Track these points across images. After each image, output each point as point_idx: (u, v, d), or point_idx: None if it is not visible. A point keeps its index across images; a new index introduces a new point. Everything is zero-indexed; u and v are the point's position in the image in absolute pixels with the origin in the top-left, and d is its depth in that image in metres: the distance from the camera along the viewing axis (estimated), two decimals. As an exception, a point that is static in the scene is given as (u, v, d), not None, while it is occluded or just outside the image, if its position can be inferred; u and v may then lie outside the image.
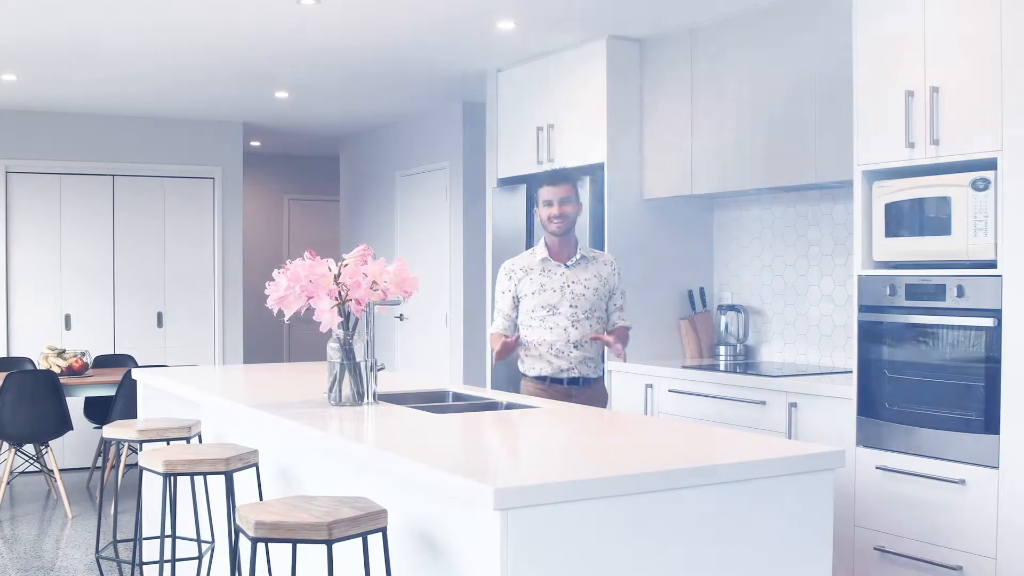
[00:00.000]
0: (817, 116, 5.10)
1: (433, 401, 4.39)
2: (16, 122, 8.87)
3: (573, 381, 4.73)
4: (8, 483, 7.42)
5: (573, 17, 5.83)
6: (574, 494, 2.47)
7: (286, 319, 3.90)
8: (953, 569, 4.14)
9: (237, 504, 3.99)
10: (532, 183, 6.61)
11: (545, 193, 4.79)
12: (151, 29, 6.08)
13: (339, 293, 3.79)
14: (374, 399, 3.96)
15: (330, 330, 3.84)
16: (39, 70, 7.21)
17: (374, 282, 3.79)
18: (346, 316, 3.86)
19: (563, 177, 4.83)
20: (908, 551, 4.32)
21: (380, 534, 2.92)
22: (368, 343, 3.96)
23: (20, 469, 8.26)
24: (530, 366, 4.80)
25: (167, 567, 4.67)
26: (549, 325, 4.73)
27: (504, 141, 7.07)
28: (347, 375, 3.91)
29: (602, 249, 5.99)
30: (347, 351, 3.90)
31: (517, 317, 4.85)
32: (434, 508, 2.90)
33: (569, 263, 4.78)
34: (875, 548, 4.44)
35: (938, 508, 4.21)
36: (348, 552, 3.25)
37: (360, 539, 2.88)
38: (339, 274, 3.79)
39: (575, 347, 4.73)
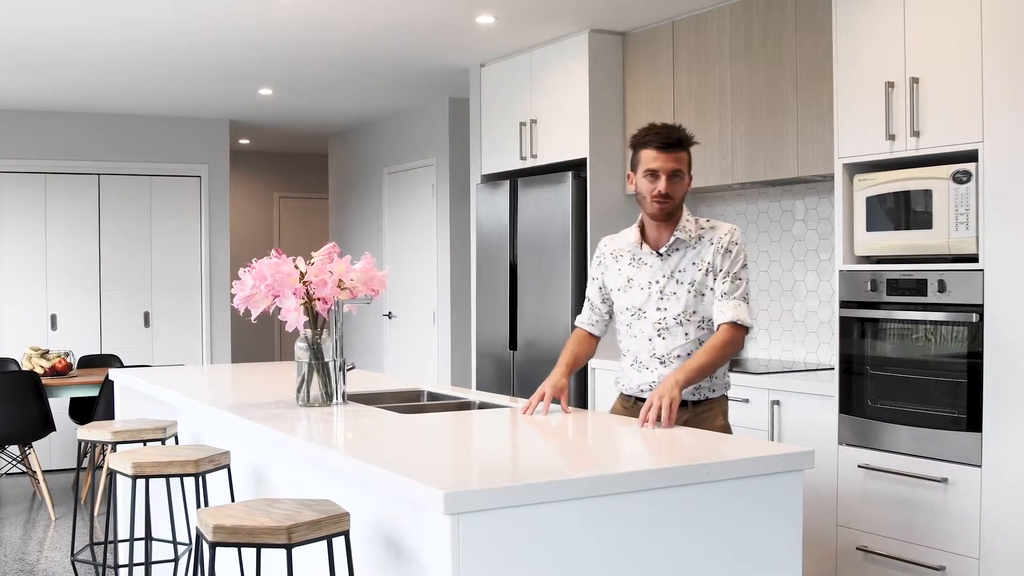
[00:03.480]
0: (799, 109, 5.03)
1: (407, 401, 4.32)
2: (-1, 121, 8.81)
3: None
4: (-9, 485, 7.36)
5: (554, 11, 5.75)
6: (528, 498, 2.40)
7: (253, 318, 3.82)
8: (936, 569, 4.07)
9: (201, 507, 3.93)
10: (515, 179, 6.55)
11: (649, 159, 3.53)
12: (131, 25, 6.01)
13: (306, 292, 3.72)
14: (343, 399, 3.90)
15: (297, 329, 3.77)
16: (20, 68, 7.14)
17: (340, 280, 3.72)
18: (314, 315, 3.79)
19: (679, 140, 3.56)
20: (891, 551, 4.24)
21: (343, 537, 2.86)
22: (337, 342, 3.88)
23: (5, 470, 8.21)
24: (621, 383, 3.80)
25: (140, 569, 4.61)
26: (634, 333, 3.67)
27: (488, 137, 7.00)
28: (315, 375, 3.84)
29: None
30: (315, 351, 3.83)
31: (609, 312, 3.81)
32: (398, 510, 2.84)
33: (663, 250, 3.62)
34: (858, 548, 4.37)
35: (921, 507, 4.13)
36: (314, 554, 3.19)
37: (322, 542, 2.82)
38: (305, 273, 3.71)
39: (661, 363, 3.62)
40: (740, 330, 3.50)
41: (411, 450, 3.09)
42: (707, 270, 3.56)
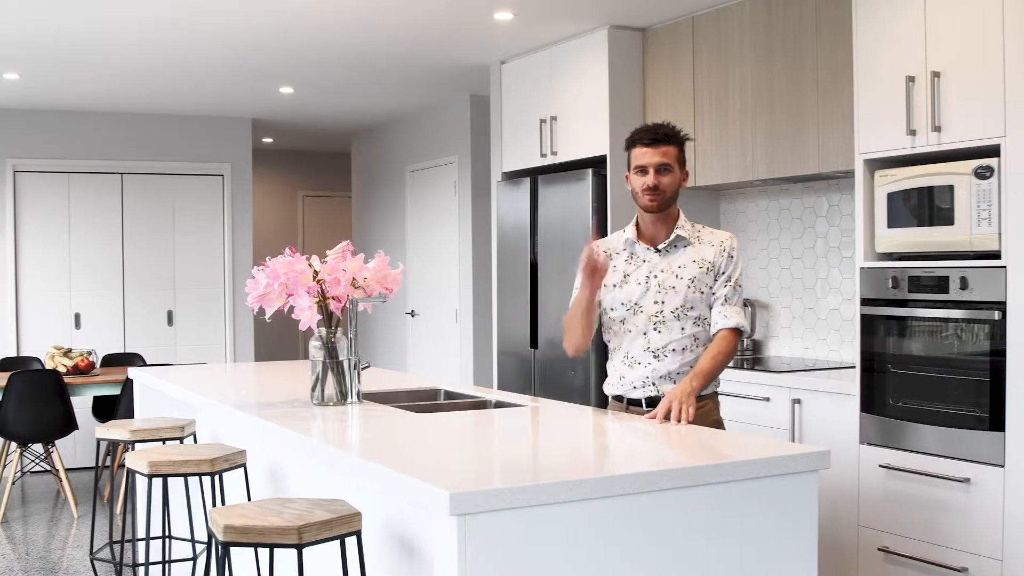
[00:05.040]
0: (819, 104, 4.97)
1: (423, 400, 4.30)
2: (23, 121, 8.84)
3: (653, 402, 3.58)
4: (14, 482, 7.39)
5: (573, 7, 5.72)
6: (536, 499, 2.37)
7: (267, 317, 3.81)
8: (958, 571, 4.01)
9: (217, 506, 3.92)
10: (535, 176, 6.52)
11: (638, 155, 3.60)
12: (152, 25, 6.02)
13: (319, 290, 3.70)
14: (358, 398, 3.88)
15: (311, 328, 3.75)
16: (42, 68, 7.17)
17: (354, 279, 3.70)
18: (328, 314, 3.77)
19: (665, 136, 3.60)
20: (913, 552, 4.18)
21: (355, 537, 2.84)
22: (351, 341, 3.86)
23: (29, 469, 8.25)
24: (607, 383, 3.80)
25: (158, 568, 4.61)
26: (629, 327, 3.65)
27: (508, 134, 6.97)
28: (330, 374, 3.82)
29: None
30: (329, 349, 3.81)
31: (601, 315, 3.74)
32: (409, 510, 2.82)
33: (661, 247, 3.66)
34: (879, 549, 4.31)
35: (943, 508, 4.08)
36: (327, 554, 3.18)
37: (333, 542, 2.80)
38: (318, 271, 3.70)
39: (655, 357, 3.62)
40: (739, 336, 3.60)
41: (421, 450, 3.07)
42: (708, 269, 3.60)
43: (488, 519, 2.32)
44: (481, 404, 4.08)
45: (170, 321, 9.37)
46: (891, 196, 4.26)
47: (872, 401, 4.36)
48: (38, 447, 8.02)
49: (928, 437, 4.13)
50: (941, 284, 4.08)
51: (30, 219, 8.89)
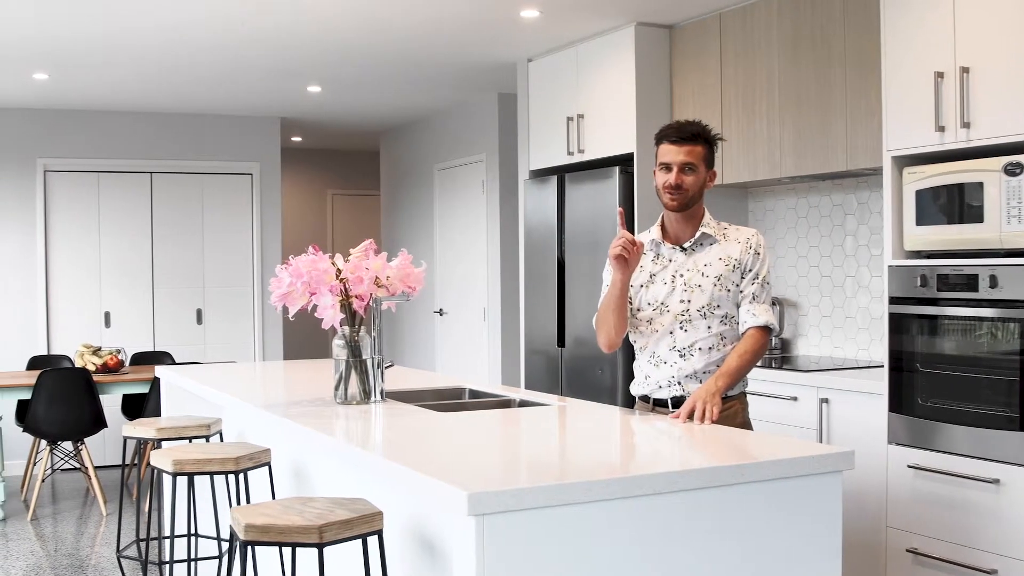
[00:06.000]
0: (847, 101, 4.92)
1: (448, 399, 4.28)
2: (53, 121, 8.90)
3: (679, 403, 3.53)
4: (44, 480, 7.44)
5: (599, 3, 5.69)
6: (555, 499, 2.35)
7: (291, 316, 3.81)
8: (988, 573, 3.96)
9: (241, 504, 3.93)
10: (562, 174, 6.50)
11: (664, 152, 3.54)
12: (179, 24, 6.03)
13: (342, 289, 3.69)
14: (382, 397, 3.87)
15: (334, 327, 3.75)
16: (71, 68, 7.21)
17: (377, 277, 3.69)
18: (351, 313, 3.76)
19: (692, 134, 3.52)
20: (942, 554, 4.13)
21: (376, 536, 2.83)
22: (375, 340, 3.85)
23: (59, 466, 8.31)
24: (634, 383, 3.76)
25: (187, 566, 4.62)
26: (656, 327, 3.60)
27: (535, 132, 6.94)
28: (353, 373, 3.81)
29: None
30: (352, 348, 3.80)
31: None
32: (430, 510, 2.81)
33: (686, 245, 3.61)
34: (908, 550, 4.26)
35: (972, 509, 4.02)
36: (349, 553, 3.17)
37: (354, 541, 2.80)
38: (341, 270, 3.69)
39: (681, 356, 3.57)
40: (769, 334, 3.54)
41: (442, 449, 3.06)
42: (734, 266, 3.55)
43: (507, 519, 2.31)
44: (505, 403, 4.06)
45: (199, 320, 9.40)
46: (920, 193, 4.21)
47: (900, 401, 4.30)
48: (68, 445, 8.06)
49: (957, 437, 4.08)
50: (971, 282, 4.02)
51: (60, 218, 8.95)
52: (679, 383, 3.56)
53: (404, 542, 2.99)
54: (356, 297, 3.69)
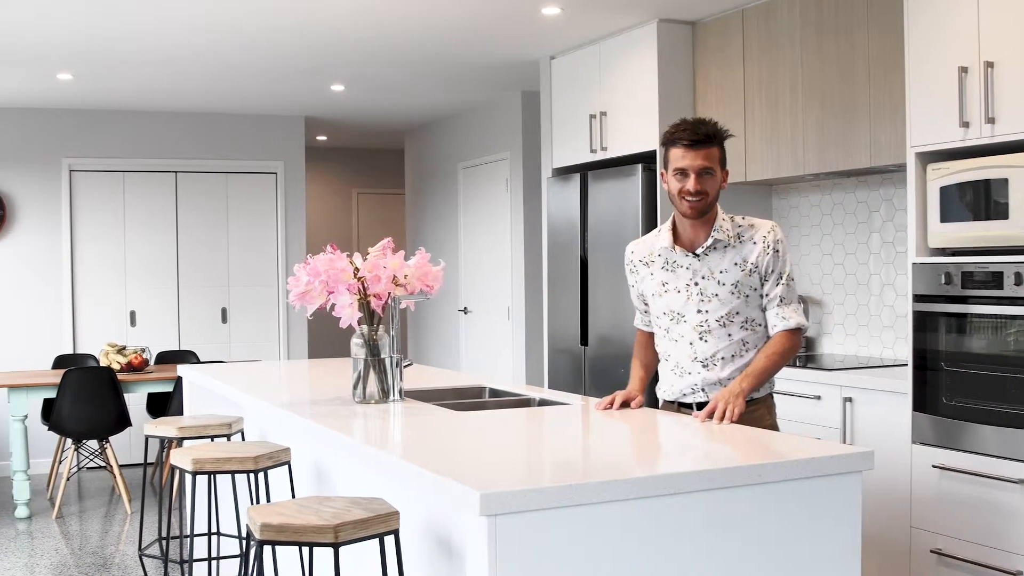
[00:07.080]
0: (871, 97, 4.87)
1: (467, 398, 4.27)
2: (78, 121, 8.94)
3: (704, 406, 3.41)
4: (69, 478, 7.48)
5: (620, 0, 5.65)
6: (568, 499, 2.32)
7: (309, 315, 3.80)
8: (1014, 574, 3.91)
9: (261, 503, 3.92)
10: (585, 172, 6.47)
11: (677, 157, 3.39)
12: (204, 24, 6.04)
13: (360, 288, 3.68)
14: (400, 396, 3.86)
15: (352, 326, 3.74)
16: (96, 68, 7.24)
17: (394, 276, 3.68)
18: (369, 311, 3.75)
19: (707, 136, 3.38)
20: (967, 555, 4.08)
21: (393, 536, 2.81)
22: (393, 338, 3.84)
23: (84, 465, 8.35)
24: (659, 387, 3.70)
25: (210, 564, 4.63)
26: (675, 337, 3.53)
27: (558, 130, 6.92)
28: (371, 372, 3.80)
29: None
30: (371, 347, 3.79)
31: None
32: (446, 509, 2.79)
33: (699, 251, 3.49)
34: (932, 551, 4.21)
35: (998, 510, 3.97)
36: (366, 552, 3.16)
37: (371, 541, 2.78)
38: (359, 268, 3.68)
39: (704, 366, 3.49)
40: (800, 334, 3.47)
41: (458, 449, 3.04)
42: (751, 271, 3.45)
43: (520, 519, 2.29)
44: (525, 403, 4.04)
45: (224, 318, 9.43)
46: (944, 190, 4.16)
47: (925, 400, 4.25)
48: (93, 443, 8.11)
49: (982, 437, 4.03)
50: (996, 280, 3.97)
51: (86, 218, 8.99)
52: (703, 390, 3.51)
53: (421, 542, 2.98)
54: (374, 296, 3.67)
